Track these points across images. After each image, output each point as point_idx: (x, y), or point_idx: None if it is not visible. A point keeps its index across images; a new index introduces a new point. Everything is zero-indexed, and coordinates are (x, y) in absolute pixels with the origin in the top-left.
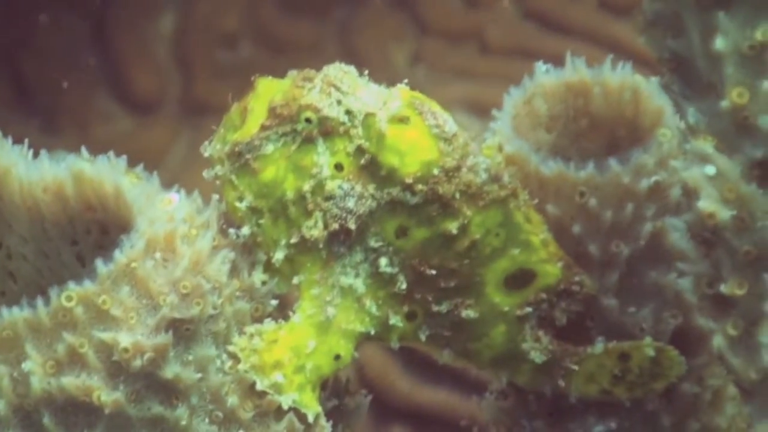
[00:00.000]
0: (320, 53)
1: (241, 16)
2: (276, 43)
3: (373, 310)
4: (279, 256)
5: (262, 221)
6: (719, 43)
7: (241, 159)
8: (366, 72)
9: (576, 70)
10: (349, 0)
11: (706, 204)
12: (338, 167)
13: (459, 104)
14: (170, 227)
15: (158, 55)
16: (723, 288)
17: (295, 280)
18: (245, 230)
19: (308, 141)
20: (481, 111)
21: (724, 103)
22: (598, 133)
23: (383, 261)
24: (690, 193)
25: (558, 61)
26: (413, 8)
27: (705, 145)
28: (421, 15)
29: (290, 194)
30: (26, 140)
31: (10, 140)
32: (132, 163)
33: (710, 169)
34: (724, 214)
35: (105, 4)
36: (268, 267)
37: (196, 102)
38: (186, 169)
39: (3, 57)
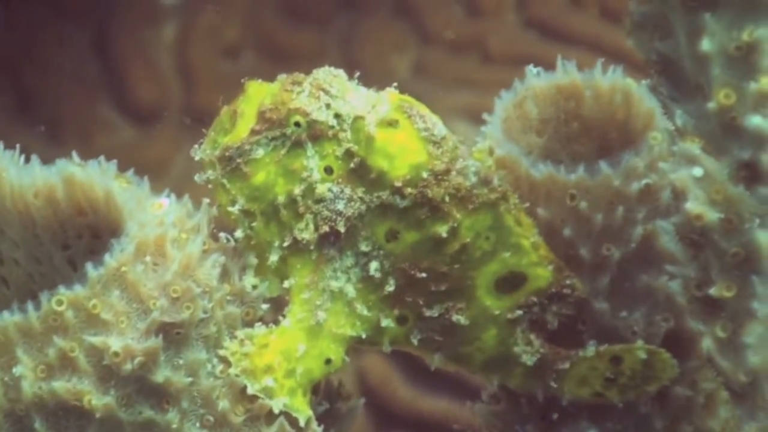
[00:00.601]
0: (322, 63)
1: (243, 26)
2: (278, 53)
3: (364, 314)
4: (274, 258)
5: (254, 224)
6: (706, 45)
7: (232, 163)
8: (357, 75)
9: (567, 74)
10: (351, 9)
11: (694, 205)
12: (328, 170)
13: (461, 113)
14: (160, 231)
15: (160, 65)
16: (712, 290)
17: (286, 284)
18: (239, 233)
19: (298, 145)
20: (483, 120)
21: (712, 105)
22: (590, 136)
23: (373, 265)
24: (678, 195)
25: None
26: (415, 18)
27: (692, 146)
28: (422, 24)
29: (281, 198)
30: (18, 145)
31: (1, 145)
32: (136, 173)
33: (698, 171)
34: (712, 215)
35: (106, 14)
36: (259, 271)
37: (198, 112)
38: (188, 178)
39: (6, 68)
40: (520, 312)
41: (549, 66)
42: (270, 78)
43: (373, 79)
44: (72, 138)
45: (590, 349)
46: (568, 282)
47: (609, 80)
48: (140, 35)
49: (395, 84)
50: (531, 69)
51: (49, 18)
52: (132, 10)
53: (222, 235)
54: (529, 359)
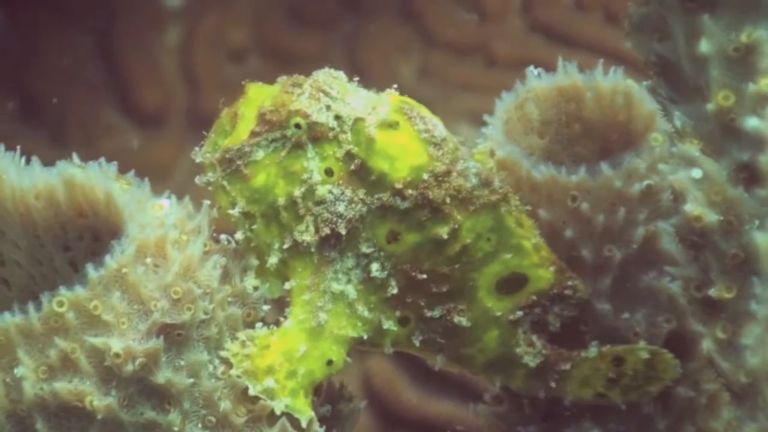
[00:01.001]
0: (326, 66)
1: (248, 29)
2: (283, 57)
3: (365, 315)
4: (273, 260)
5: (255, 226)
6: (704, 46)
7: (232, 165)
8: (355, 79)
9: (568, 75)
10: (356, 13)
11: (693, 207)
12: (328, 172)
13: (465, 117)
14: (161, 233)
15: (165, 69)
16: (711, 292)
17: (287, 286)
18: (239, 235)
19: (298, 147)
20: (486, 123)
21: (710, 106)
22: (591, 137)
23: (375, 266)
24: (678, 197)
25: None
26: (420, 21)
27: (691, 148)
28: (427, 28)
29: (282, 200)
30: (18, 147)
31: (2, 147)
32: (139, 177)
33: (697, 172)
34: (711, 217)
35: (110, 17)
36: (260, 272)
37: (202, 116)
38: (192, 182)
39: (11, 72)
40: (521, 313)
41: (554, 70)
42: (273, 82)
43: (378, 83)
44: (76, 141)
45: (593, 350)
46: (569, 283)
47: (610, 82)
48: (144, 39)
49: (395, 86)
50: (532, 70)
51: (53, 21)
52: (136, 13)
53: (223, 236)
54: (531, 360)
